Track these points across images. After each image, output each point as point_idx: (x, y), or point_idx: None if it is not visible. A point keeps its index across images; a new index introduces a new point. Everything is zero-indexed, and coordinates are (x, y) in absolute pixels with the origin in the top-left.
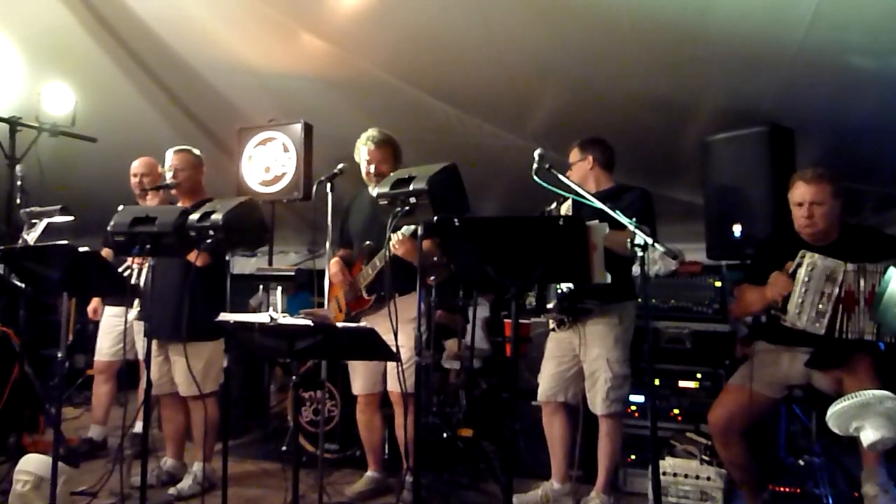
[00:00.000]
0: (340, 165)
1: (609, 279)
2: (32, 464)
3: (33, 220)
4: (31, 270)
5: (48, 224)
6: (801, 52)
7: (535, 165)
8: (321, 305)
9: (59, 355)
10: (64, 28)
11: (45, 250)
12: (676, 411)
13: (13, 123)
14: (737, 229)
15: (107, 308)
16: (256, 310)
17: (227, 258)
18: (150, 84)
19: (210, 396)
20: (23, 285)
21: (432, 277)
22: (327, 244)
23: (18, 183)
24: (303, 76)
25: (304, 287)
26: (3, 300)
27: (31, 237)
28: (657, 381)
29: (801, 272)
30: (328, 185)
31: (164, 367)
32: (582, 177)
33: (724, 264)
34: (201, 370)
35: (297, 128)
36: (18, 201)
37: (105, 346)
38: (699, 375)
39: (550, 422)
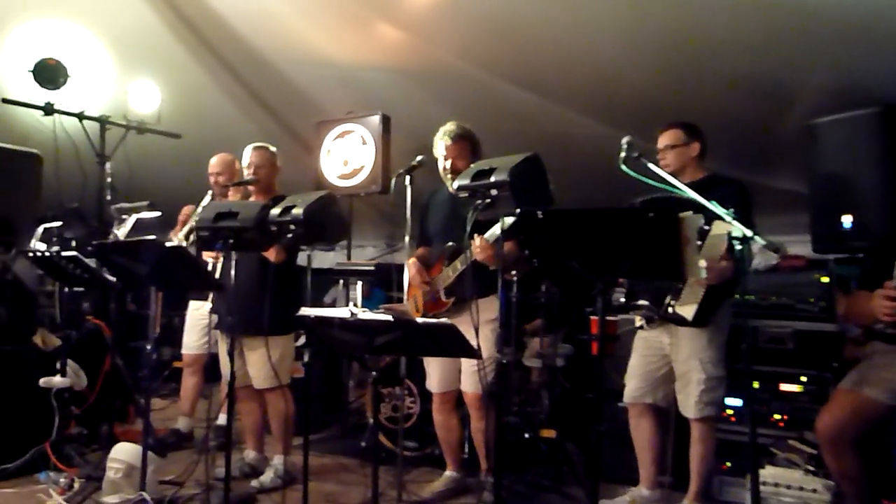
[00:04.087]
0: (419, 157)
1: (704, 274)
2: (124, 452)
3: (123, 216)
4: (121, 265)
5: (137, 220)
6: None
7: (622, 154)
8: (400, 300)
9: (148, 348)
10: (148, 26)
11: (134, 245)
12: (777, 417)
13: (103, 122)
14: (846, 220)
15: (191, 302)
16: (331, 307)
17: (296, 254)
18: (230, 80)
19: (284, 388)
20: (113, 279)
21: (513, 272)
22: (406, 238)
23: (108, 180)
24: (380, 67)
25: (378, 284)
26: (95, 294)
27: (120, 233)
28: (756, 384)
29: None
30: (407, 177)
31: (239, 361)
32: (682, 163)
33: (831, 258)
34: (275, 363)
35: (375, 120)
36: (109, 198)
37: (191, 340)
38: (803, 379)
39: (637, 424)
